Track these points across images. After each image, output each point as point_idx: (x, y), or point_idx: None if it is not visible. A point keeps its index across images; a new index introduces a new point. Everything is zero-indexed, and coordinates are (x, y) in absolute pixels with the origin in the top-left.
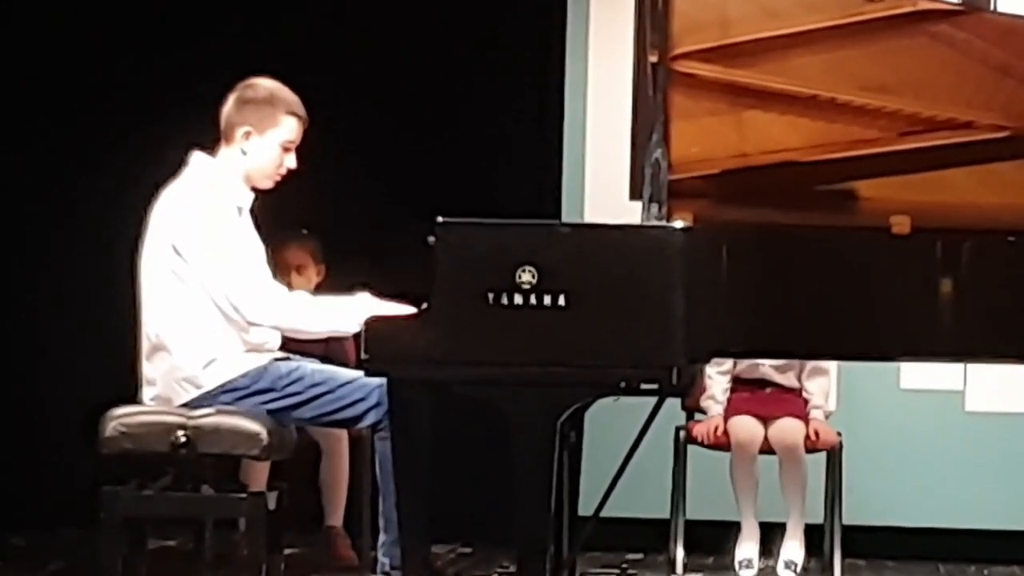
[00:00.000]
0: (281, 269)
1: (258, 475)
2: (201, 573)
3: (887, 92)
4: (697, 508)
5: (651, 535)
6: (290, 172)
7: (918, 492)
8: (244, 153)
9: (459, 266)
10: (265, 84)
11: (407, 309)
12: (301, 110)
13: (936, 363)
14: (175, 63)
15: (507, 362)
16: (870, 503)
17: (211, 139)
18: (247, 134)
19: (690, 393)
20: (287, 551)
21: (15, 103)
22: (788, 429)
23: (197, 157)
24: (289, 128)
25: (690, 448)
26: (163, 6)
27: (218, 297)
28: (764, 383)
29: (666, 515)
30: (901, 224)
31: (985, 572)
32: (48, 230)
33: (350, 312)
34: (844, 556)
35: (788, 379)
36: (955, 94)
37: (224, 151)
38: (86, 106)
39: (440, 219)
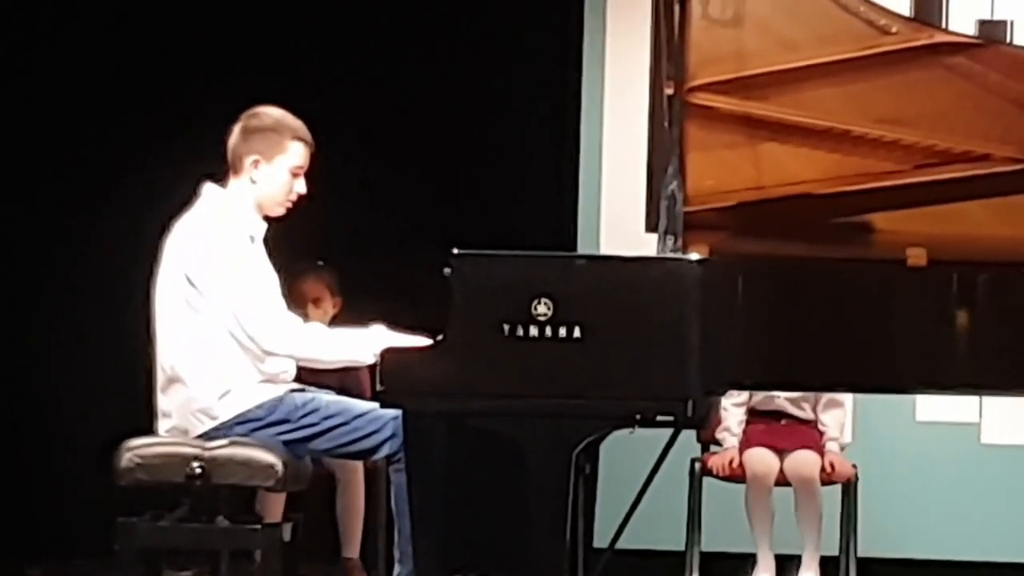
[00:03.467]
0: (297, 301)
1: (273, 506)
2: None
3: (903, 124)
4: (712, 540)
5: (666, 567)
6: (301, 199)
7: (934, 524)
8: (253, 182)
9: (474, 298)
10: (269, 112)
11: (422, 341)
12: (307, 135)
13: (952, 395)
14: (186, 94)
15: (522, 394)
16: (885, 535)
17: (222, 170)
18: (255, 162)
19: (705, 425)
20: None
21: (28, 137)
22: (803, 461)
23: (209, 188)
24: (296, 153)
25: (705, 480)
26: (171, 38)
27: (233, 327)
28: (779, 415)
29: (681, 547)
30: (917, 256)
31: None
32: (63, 263)
33: (365, 343)
34: None
35: (803, 411)
36: (971, 127)
37: (233, 182)
38: (97, 140)
39: (456, 251)
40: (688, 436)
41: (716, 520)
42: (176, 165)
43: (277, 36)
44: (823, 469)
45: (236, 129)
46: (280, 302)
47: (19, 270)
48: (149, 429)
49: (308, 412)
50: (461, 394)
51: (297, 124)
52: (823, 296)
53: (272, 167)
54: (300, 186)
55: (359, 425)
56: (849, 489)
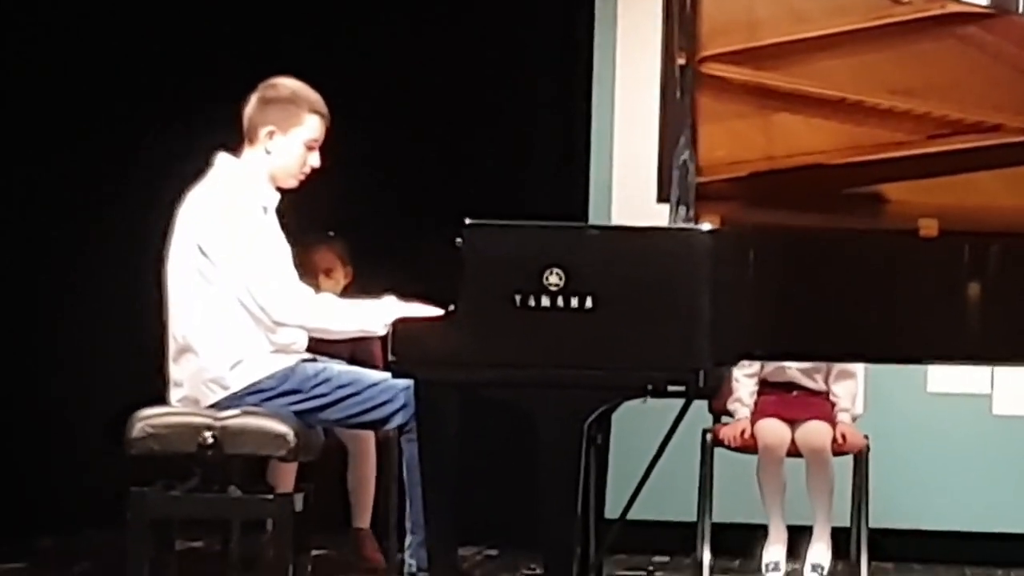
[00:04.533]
0: (309, 272)
1: (285, 476)
2: (228, 574)
3: (915, 95)
4: (724, 511)
5: (678, 538)
6: (314, 171)
7: (945, 495)
8: (268, 153)
9: (486, 268)
10: (287, 83)
11: (433, 311)
12: (324, 108)
13: (963, 366)
14: (201, 65)
15: (534, 364)
16: (897, 506)
17: (236, 141)
18: (271, 133)
19: (717, 396)
20: (314, 552)
21: (41, 107)
22: (815, 432)
23: (222, 158)
24: (312, 126)
25: (717, 451)
26: (190, 8)
27: (244, 297)
28: (791, 386)
29: (693, 518)
30: (929, 227)
31: None
32: (74, 233)
33: (376, 314)
34: (871, 559)
35: (815, 382)
36: (983, 97)
37: (248, 151)
38: (111, 110)
39: (467, 221)
40: (700, 407)
41: (727, 491)
42: (190, 135)
43: (291, 8)
44: (835, 440)
45: (253, 99)
46: (292, 273)
47: (32, 240)
48: (161, 399)
49: (320, 382)
50: (473, 364)
51: (314, 97)
52: (834, 266)
53: (288, 139)
54: (314, 159)
55: (371, 395)
56: (861, 460)
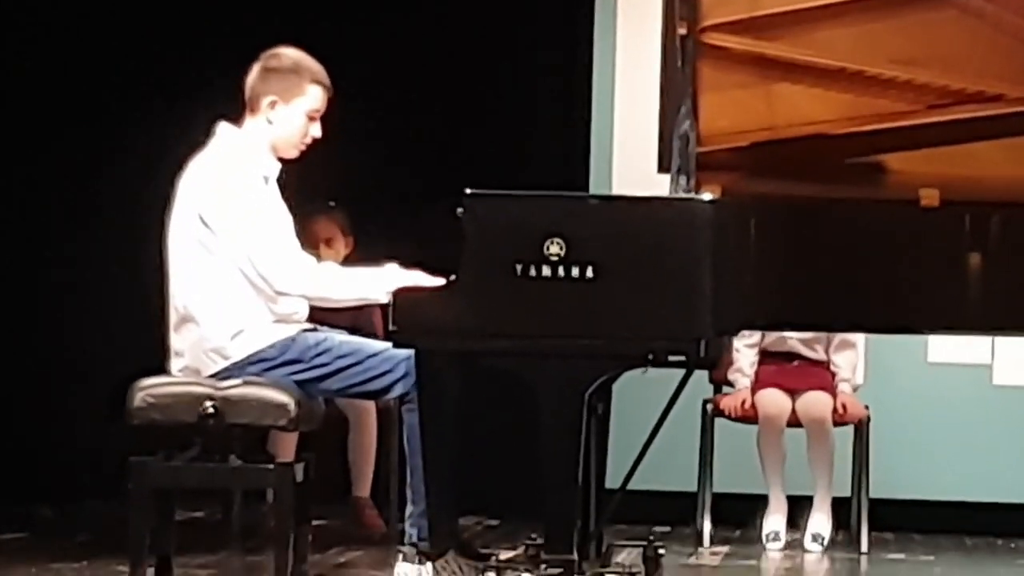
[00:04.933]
0: (309, 242)
1: (286, 446)
2: (229, 544)
3: (916, 65)
4: (724, 481)
5: (678, 508)
6: (315, 142)
7: (945, 465)
8: (270, 122)
9: (487, 238)
10: (290, 53)
11: (434, 279)
12: (326, 79)
13: (964, 336)
14: (202, 35)
15: (534, 334)
16: (897, 476)
17: (237, 110)
18: (272, 103)
19: (718, 366)
20: (315, 522)
21: (46, 75)
22: (815, 402)
23: (223, 128)
24: (314, 97)
25: (717, 421)
26: None
27: (246, 267)
28: (792, 356)
29: (693, 488)
30: (930, 197)
31: (1012, 545)
32: (76, 204)
33: (377, 281)
34: (871, 529)
35: (816, 352)
36: (984, 67)
37: (249, 121)
38: (114, 79)
39: (468, 191)
40: (700, 377)
41: (728, 461)
42: (191, 104)
43: None
44: (835, 410)
45: (255, 68)
46: (293, 242)
47: (33, 211)
48: (161, 368)
49: (320, 352)
50: (473, 334)
51: (317, 67)
52: (835, 236)
53: (289, 109)
54: (316, 130)
55: (371, 365)
56: (861, 430)
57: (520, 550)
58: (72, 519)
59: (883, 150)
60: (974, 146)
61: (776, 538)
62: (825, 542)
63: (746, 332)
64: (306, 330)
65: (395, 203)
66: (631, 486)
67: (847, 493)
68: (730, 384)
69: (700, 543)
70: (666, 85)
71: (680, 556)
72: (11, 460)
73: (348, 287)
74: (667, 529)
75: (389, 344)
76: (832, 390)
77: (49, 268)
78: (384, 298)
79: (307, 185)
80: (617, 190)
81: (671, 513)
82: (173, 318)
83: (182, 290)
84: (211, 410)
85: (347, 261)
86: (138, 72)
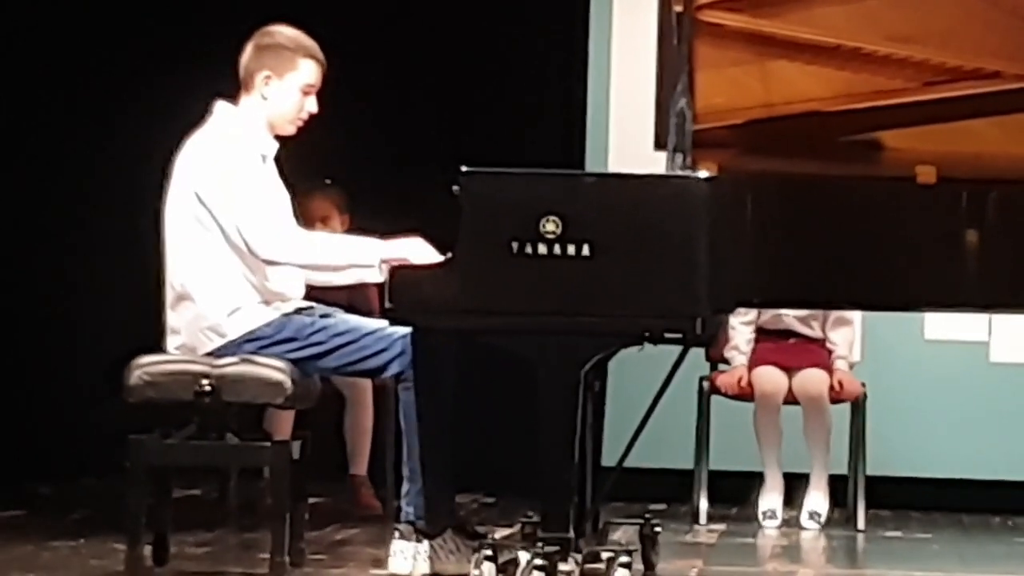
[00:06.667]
0: (306, 220)
1: (282, 424)
2: (225, 521)
3: (913, 42)
4: (721, 459)
5: (675, 486)
6: (312, 118)
7: (942, 443)
8: (264, 98)
9: (483, 215)
10: (282, 30)
11: (425, 246)
12: (319, 54)
13: (961, 314)
14: (198, 12)
15: (531, 312)
16: (894, 454)
17: (234, 89)
18: (267, 79)
19: (714, 343)
20: (311, 500)
21: (42, 50)
22: (812, 380)
23: (220, 106)
24: (308, 71)
25: (714, 399)
26: None
27: (234, 236)
28: (788, 333)
29: (690, 466)
30: (926, 174)
31: (1009, 523)
32: (72, 182)
33: (369, 247)
34: (868, 507)
35: (812, 329)
36: (981, 44)
37: (245, 99)
38: (110, 56)
39: (464, 168)
40: (697, 354)
41: (724, 439)
42: (188, 82)
43: None
44: (832, 387)
45: (249, 46)
46: (288, 216)
47: (29, 187)
48: (158, 346)
49: (316, 330)
50: (470, 312)
51: (310, 43)
52: (832, 214)
53: (283, 84)
54: (311, 105)
55: (367, 343)
56: (858, 408)
57: (516, 528)
58: (69, 497)
59: (880, 127)
60: (971, 123)
61: (773, 516)
62: (822, 520)
63: (742, 310)
64: (302, 308)
65: (391, 181)
66: (627, 464)
67: (844, 471)
68: (726, 362)
69: (696, 521)
70: (662, 62)
71: (676, 534)
72: (8, 438)
73: (336, 252)
74: (663, 507)
75: (385, 322)
76: (829, 367)
77: (46, 247)
78: (374, 263)
79: (303, 164)
80: (613, 168)
81: (667, 491)
82: (169, 296)
83: (178, 268)
84: (208, 388)
85: None
86: (135, 50)
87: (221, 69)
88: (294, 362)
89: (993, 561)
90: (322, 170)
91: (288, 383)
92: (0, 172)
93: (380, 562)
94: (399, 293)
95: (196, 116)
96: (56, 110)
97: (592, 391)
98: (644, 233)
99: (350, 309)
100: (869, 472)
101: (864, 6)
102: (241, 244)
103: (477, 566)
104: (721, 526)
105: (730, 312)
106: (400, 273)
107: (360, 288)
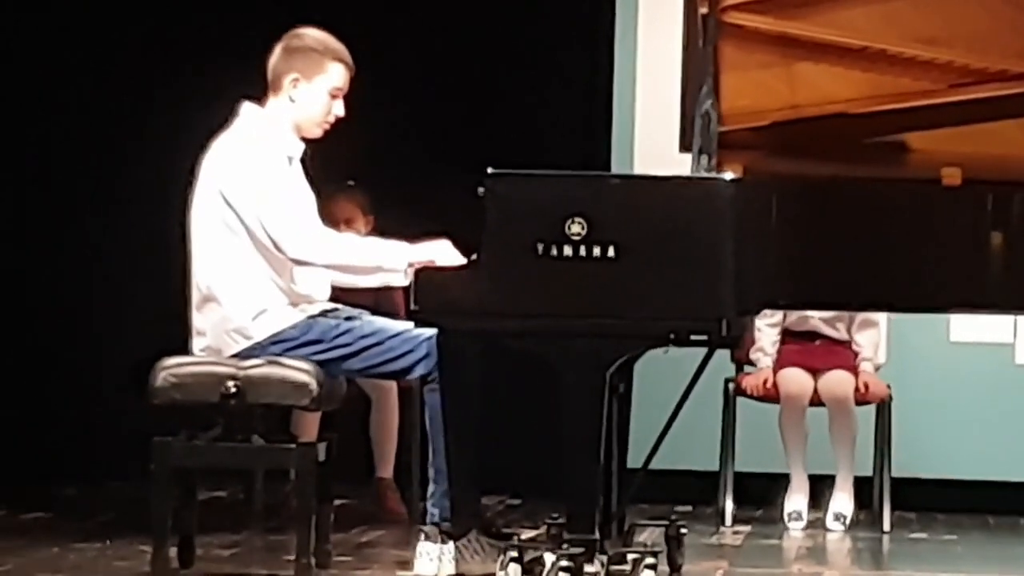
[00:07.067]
0: (329, 221)
1: (308, 426)
2: (251, 523)
3: (938, 44)
4: (746, 460)
5: (700, 487)
6: (339, 121)
7: (968, 444)
8: (292, 101)
9: (508, 217)
10: (311, 33)
11: (452, 249)
12: (348, 57)
13: (986, 315)
14: (226, 14)
15: (556, 313)
16: (920, 456)
17: (261, 90)
18: (295, 81)
19: (739, 345)
20: (337, 502)
21: (70, 51)
22: (838, 381)
23: (247, 107)
24: (337, 75)
25: (739, 400)
26: None
27: (261, 236)
28: (813, 335)
29: (715, 467)
30: (952, 176)
31: None
32: (99, 184)
33: (396, 251)
34: (893, 508)
35: (838, 331)
36: (1007, 46)
37: (272, 101)
38: (138, 57)
39: (490, 170)
40: (722, 356)
41: (750, 440)
42: (214, 84)
43: None
44: (857, 389)
45: (278, 48)
46: (313, 217)
47: (55, 189)
48: (184, 348)
49: (342, 332)
50: (495, 314)
51: (338, 46)
52: (857, 215)
53: (312, 86)
54: (339, 108)
55: (393, 345)
56: (883, 409)
57: (542, 529)
58: (95, 499)
59: (905, 129)
60: (996, 125)
61: (798, 517)
62: (847, 521)
63: (768, 311)
64: (327, 311)
65: (415, 182)
66: (653, 466)
67: (869, 472)
68: (752, 363)
69: (722, 522)
70: (688, 64)
71: (702, 535)
72: (34, 440)
73: (364, 254)
74: (689, 508)
75: (411, 324)
76: (854, 369)
77: (72, 248)
78: (402, 266)
79: (327, 165)
80: (639, 169)
81: (693, 493)
82: (195, 297)
83: (204, 270)
84: (233, 390)
85: None
86: (161, 52)
87: (247, 71)
88: (320, 364)
89: (1019, 563)
90: (346, 172)
91: (314, 385)
92: (27, 175)
93: (406, 564)
94: (425, 295)
95: (222, 118)
96: (83, 112)
97: (617, 393)
98: (669, 235)
99: (376, 311)
100: (894, 474)
101: (890, 8)
102: (268, 244)
103: (503, 567)
104: (746, 528)
105: (755, 314)
106: (426, 275)
107: (386, 290)
